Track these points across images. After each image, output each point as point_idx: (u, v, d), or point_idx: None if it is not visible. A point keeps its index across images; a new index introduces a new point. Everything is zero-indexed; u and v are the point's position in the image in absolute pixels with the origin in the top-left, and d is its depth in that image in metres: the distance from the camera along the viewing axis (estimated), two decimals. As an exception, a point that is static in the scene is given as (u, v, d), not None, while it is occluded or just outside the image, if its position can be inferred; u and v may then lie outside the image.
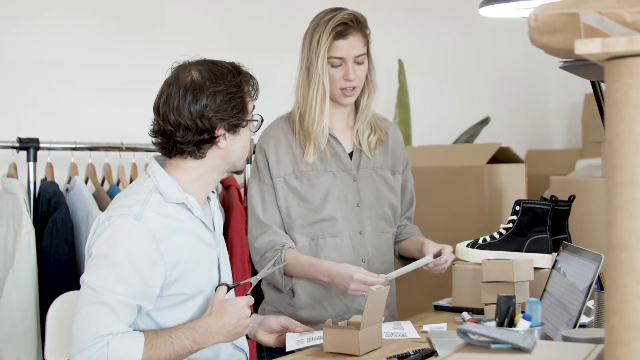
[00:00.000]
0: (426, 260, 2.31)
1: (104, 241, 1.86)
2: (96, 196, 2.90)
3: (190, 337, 1.87)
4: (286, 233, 2.40)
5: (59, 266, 2.75)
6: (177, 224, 1.94)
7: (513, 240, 2.40)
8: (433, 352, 1.92)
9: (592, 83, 2.27)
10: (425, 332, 2.16)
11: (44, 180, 2.90)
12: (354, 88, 2.38)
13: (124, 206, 1.90)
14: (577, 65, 1.39)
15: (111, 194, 2.94)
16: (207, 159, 1.98)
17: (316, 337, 2.09)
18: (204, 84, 1.93)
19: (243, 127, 2.00)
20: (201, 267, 1.99)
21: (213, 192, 2.12)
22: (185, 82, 1.94)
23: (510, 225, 2.42)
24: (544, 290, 2.12)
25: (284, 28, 3.81)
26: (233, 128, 1.98)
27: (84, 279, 1.86)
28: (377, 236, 2.46)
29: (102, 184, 3.07)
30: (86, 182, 3.02)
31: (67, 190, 2.93)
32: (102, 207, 2.84)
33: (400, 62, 4.12)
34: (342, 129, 2.47)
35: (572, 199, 2.42)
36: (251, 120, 2.02)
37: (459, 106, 4.65)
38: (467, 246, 2.46)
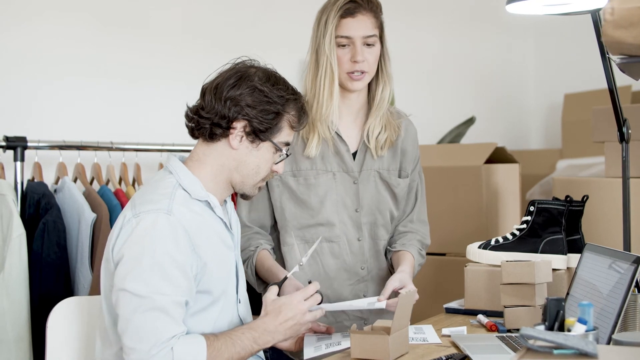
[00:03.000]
0: (368, 302, 2.13)
1: (137, 241, 1.78)
2: (87, 197, 2.79)
3: (250, 337, 1.83)
4: (278, 233, 2.32)
5: (51, 270, 2.63)
6: (203, 222, 1.88)
7: (527, 241, 2.36)
8: (464, 357, 1.87)
9: (609, 83, 2.25)
10: (446, 335, 2.11)
11: (31, 181, 2.78)
12: (362, 72, 2.23)
13: (152, 201, 1.83)
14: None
15: (102, 195, 2.83)
16: (220, 155, 1.91)
17: (334, 342, 2.02)
18: (252, 78, 1.89)
19: (263, 140, 1.91)
20: (223, 268, 1.93)
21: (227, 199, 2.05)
22: (238, 70, 1.91)
23: (525, 226, 2.38)
24: (568, 293, 2.08)
25: (269, 26, 3.74)
26: (253, 135, 1.90)
27: (125, 287, 1.76)
28: (374, 243, 2.35)
29: (91, 184, 2.96)
30: (74, 182, 2.90)
31: (55, 191, 2.81)
32: (93, 208, 2.74)
33: (384, 61, 4.07)
34: (349, 126, 2.33)
35: (585, 199, 2.39)
36: (276, 145, 1.93)
37: (442, 106, 4.63)
38: (480, 247, 2.41)
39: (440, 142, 4.28)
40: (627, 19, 1.24)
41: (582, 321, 1.49)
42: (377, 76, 2.31)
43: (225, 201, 2.01)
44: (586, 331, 1.49)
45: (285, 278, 2.04)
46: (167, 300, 1.75)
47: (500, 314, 2.28)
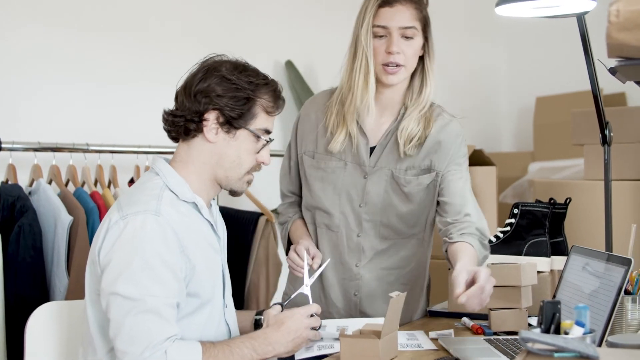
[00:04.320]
0: (366, 322, 2.00)
1: (126, 243, 1.74)
2: (62, 199, 2.73)
3: (250, 345, 1.80)
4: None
5: (27, 274, 2.57)
6: (191, 223, 1.85)
7: (511, 243, 2.36)
8: (455, 361, 1.86)
9: (594, 89, 2.26)
10: (433, 339, 2.10)
11: (5, 183, 2.72)
12: (398, 66, 2.16)
13: (139, 203, 1.79)
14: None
15: (78, 197, 2.78)
16: (200, 152, 1.88)
17: (327, 345, 2.00)
18: (219, 69, 1.86)
19: (237, 128, 1.87)
20: (210, 271, 1.90)
21: (214, 199, 2.01)
22: (207, 65, 1.88)
23: (508, 228, 2.38)
24: (554, 296, 2.09)
25: (252, 28, 3.71)
26: (228, 124, 1.86)
27: (116, 290, 1.72)
28: (377, 243, 2.29)
29: (67, 186, 2.90)
30: (50, 184, 2.84)
31: (30, 193, 2.74)
32: (70, 211, 2.68)
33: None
34: (374, 119, 2.25)
35: (568, 201, 2.41)
36: (253, 132, 1.88)
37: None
38: (463, 250, 2.40)
39: (415, 144, 4.28)
40: (632, 20, 1.24)
41: (579, 324, 1.49)
42: (417, 73, 2.26)
43: (211, 204, 1.98)
44: (584, 334, 1.49)
45: (290, 299, 2.04)
46: (159, 302, 1.72)
47: (484, 317, 2.28)
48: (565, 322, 1.54)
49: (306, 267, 2.10)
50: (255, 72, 1.90)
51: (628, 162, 2.74)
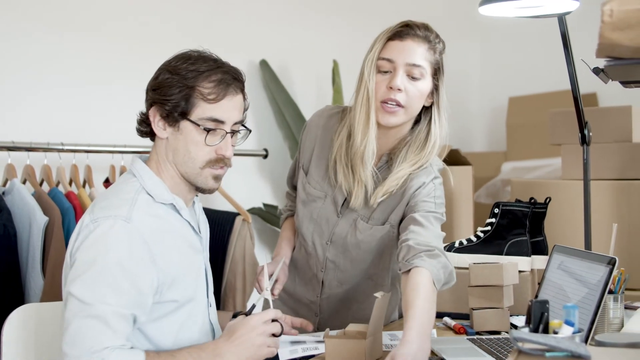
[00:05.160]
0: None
1: (90, 246, 1.70)
2: (37, 199, 2.68)
3: (196, 356, 1.71)
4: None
5: (1, 276, 2.53)
6: (167, 226, 1.81)
7: (492, 243, 2.37)
8: (441, 361, 1.86)
9: (574, 90, 2.28)
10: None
11: (-22, 183, 2.67)
12: (398, 105, 1.97)
13: (111, 207, 1.75)
14: (630, 63, 1.35)
15: (53, 197, 2.74)
16: (161, 150, 1.84)
17: (311, 347, 1.99)
18: (169, 62, 1.83)
19: (179, 120, 1.78)
20: (190, 273, 1.86)
21: (197, 195, 1.98)
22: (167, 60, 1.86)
23: (489, 228, 2.39)
24: (536, 296, 2.09)
25: (227, 28, 3.69)
26: (168, 117, 1.80)
27: (71, 290, 1.68)
28: (337, 285, 2.23)
29: (41, 186, 2.86)
30: (24, 184, 2.79)
31: (3, 193, 2.70)
32: (45, 211, 2.64)
33: (335, 63, 4.06)
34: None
35: (548, 201, 2.42)
36: (194, 123, 1.78)
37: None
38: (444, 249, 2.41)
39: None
40: (626, 20, 1.24)
41: (569, 323, 1.49)
42: (421, 125, 2.09)
43: (193, 202, 1.95)
44: (573, 333, 1.49)
45: (253, 307, 1.89)
46: (108, 310, 1.66)
47: (464, 316, 2.28)
48: (554, 322, 1.54)
49: (266, 272, 1.95)
50: (203, 60, 1.81)
51: (604, 162, 2.76)
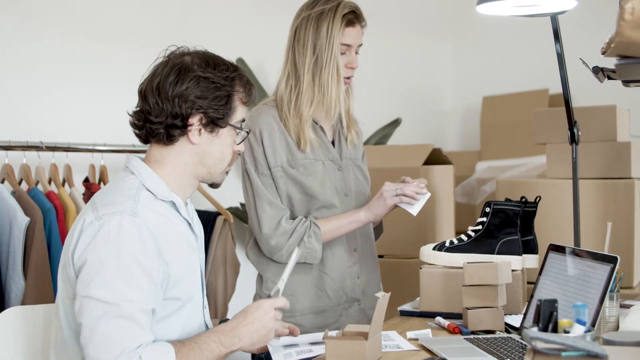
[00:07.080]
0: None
1: (101, 244, 1.67)
2: (18, 200, 2.62)
3: (217, 339, 1.75)
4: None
5: (-19, 278, 2.47)
6: (169, 224, 1.79)
7: (483, 242, 2.36)
8: (442, 361, 1.85)
9: (564, 90, 2.28)
10: (413, 339, 2.08)
11: (-45, 183, 2.60)
12: (349, 78, 2.42)
13: (115, 203, 1.72)
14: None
15: (33, 197, 2.67)
16: (181, 153, 1.82)
17: (305, 350, 1.96)
18: (192, 67, 1.80)
19: (222, 127, 1.83)
20: (190, 271, 1.84)
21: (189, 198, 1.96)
22: (174, 64, 1.81)
23: (480, 227, 2.37)
24: (531, 296, 2.09)
25: (203, 25, 3.64)
26: (211, 124, 1.82)
27: (89, 293, 1.65)
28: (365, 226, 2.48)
29: (20, 185, 2.79)
30: (2, 183, 2.73)
31: (-19, 193, 2.63)
32: (26, 212, 2.58)
33: (312, 62, 4.03)
34: (324, 119, 2.47)
35: (538, 200, 2.42)
36: (235, 127, 1.86)
37: (367, 107, 4.61)
38: (434, 249, 2.40)
39: (366, 142, 4.27)
40: (647, 19, 1.23)
41: (580, 322, 1.49)
42: None
43: (187, 202, 1.92)
44: (585, 332, 1.49)
45: (278, 292, 1.93)
46: (134, 308, 1.66)
47: (457, 316, 2.27)
48: (563, 321, 1.54)
49: (290, 263, 1.99)
50: (224, 64, 1.85)
51: (589, 161, 2.77)
